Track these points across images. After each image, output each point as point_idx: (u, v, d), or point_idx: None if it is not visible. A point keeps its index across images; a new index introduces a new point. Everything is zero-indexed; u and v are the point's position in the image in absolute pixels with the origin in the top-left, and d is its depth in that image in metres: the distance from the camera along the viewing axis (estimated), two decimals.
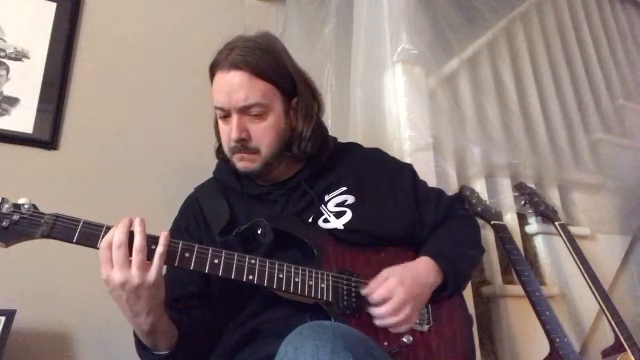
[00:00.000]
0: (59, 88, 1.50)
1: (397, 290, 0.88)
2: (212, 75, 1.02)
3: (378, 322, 0.88)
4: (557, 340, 1.33)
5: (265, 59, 0.98)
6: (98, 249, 0.79)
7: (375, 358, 0.66)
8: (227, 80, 0.97)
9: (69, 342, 1.32)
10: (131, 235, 0.78)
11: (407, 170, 1.18)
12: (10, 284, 1.29)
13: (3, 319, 1.15)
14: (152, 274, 0.78)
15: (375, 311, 0.88)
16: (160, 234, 0.81)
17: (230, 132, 0.98)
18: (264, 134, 0.99)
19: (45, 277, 1.34)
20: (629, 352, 1.44)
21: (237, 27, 1.87)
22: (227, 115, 0.99)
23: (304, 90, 1.06)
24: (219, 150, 1.10)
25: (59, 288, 1.34)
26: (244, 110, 0.97)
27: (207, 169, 1.15)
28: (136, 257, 0.77)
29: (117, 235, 0.77)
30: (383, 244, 1.01)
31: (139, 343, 0.89)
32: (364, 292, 0.90)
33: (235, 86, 0.96)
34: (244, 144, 0.98)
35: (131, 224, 0.79)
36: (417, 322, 0.94)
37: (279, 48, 1.05)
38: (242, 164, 1.01)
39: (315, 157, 1.07)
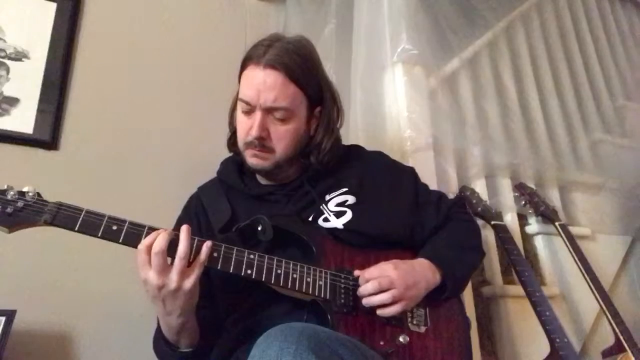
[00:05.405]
0: (59, 88, 1.50)
1: (388, 271, 0.90)
2: (244, 67, 1.01)
3: (364, 301, 0.89)
4: (557, 340, 1.33)
5: (300, 64, 0.98)
6: (98, 237, 0.79)
7: (342, 358, 0.66)
8: (261, 77, 0.96)
9: (69, 342, 1.32)
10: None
11: (409, 173, 1.18)
12: (10, 284, 1.29)
13: (3, 319, 1.15)
14: (190, 281, 0.80)
15: (361, 288, 0.90)
16: (204, 243, 0.83)
17: (250, 127, 0.98)
18: (283, 136, 1.00)
19: (45, 277, 1.34)
20: (629, 352, 1.45)
21: (237, 27, 1.87)
22: (250, 110, 0.99)
23: (329, 100, 1.07)
24: (230, 140, 1.11)
25: (59, 288, 1.34)
26: (269, 111, 0.98)
27: (209, 168, 1.16)
28: (179, 263, 0.79)
29: (157, 242, 0.78)
30: (382, 245, 1.01)
31: (162, 339, 0.91)
32: (357, 273, 0.92)
33: (267, 85, 0.96)
34: (261, 142, 0.99)
35: (174, 234, 0.81)
36: (414, 322, 0.94)
37: (314, 55, 1.06)
38: (253, 159, 1.01)
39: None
